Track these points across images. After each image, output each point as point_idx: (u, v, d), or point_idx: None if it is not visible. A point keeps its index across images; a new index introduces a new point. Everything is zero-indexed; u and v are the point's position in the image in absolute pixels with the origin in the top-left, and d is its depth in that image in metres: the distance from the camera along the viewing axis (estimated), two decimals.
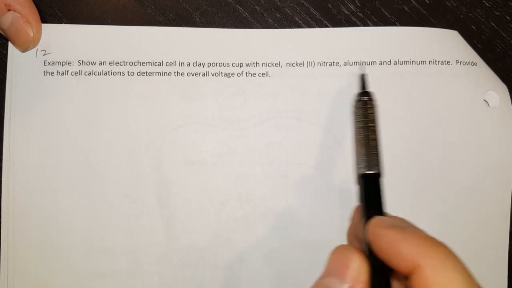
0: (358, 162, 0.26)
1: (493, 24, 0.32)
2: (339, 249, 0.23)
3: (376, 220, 0.22)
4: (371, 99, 0.27)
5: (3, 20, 0.28)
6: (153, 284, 0.29)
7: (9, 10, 0.28)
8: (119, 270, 0.29)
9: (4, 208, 0.29)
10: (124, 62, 0.30)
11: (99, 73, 0.29)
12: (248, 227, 0.29)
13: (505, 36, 0.32)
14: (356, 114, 0.27)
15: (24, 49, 0.29)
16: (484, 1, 0.32)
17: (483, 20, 0.32)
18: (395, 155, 0.30)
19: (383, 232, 0.21)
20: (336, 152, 0.30)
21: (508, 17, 0.32)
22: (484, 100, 0.31)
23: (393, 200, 0.29)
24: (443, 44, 0.31)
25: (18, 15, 0.28)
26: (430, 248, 0.20)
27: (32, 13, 0.28)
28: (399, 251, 0.20)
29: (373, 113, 0.27)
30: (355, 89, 0.30)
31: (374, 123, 0.26)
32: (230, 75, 0.30)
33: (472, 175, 0.30)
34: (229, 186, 0.29)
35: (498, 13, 0.32)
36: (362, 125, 0.26)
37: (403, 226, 0.22)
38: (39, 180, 0.29)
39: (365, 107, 0.27)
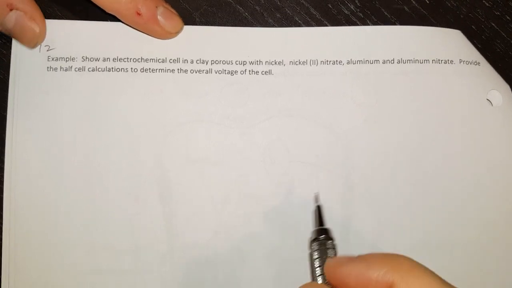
0: None
1: (493, 24, 0.33)
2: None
3: (330, 262, 0.23)
4: (330, 238, 0.26)
5: (7, 20, 0.28)
6: (155, 282, 0.28)
7: (11, 9, 0.27)
8: (120, 268, 0.28)
9: (6, 204, 0.28)
10: (127, 58, 0.30)
11: (103, 69, 0.29)
12: (249, 226, 0.29)
13: (505, 36, 0.33)
14: (312, 256, 0.26)
15: (32, 46, 0.29)
16: (484, 1, 0.33)
17: (483, 20, 0.32)
18: (397, 154, 0.30)
19: (344, 270, 0.22)
20: (338, 151, 0.30)
21: (508, 17, 0.33)
22: (487, 99, 0.31)
23: (395, 200, 0.29)
24: (446, 43, 0.31)
25: (22, 13, 0.28)
26: (393, 264, 0.20)
27: (35, 9, 0.28)
28: (370, 279, 0.20)
29: (333, 256, 0.25)
30: (357, 88, 0.30)
31: None
32: (234, 72, 0.30)
33: (475, 174, 0.30)
34: (231, 184, 0.29)
35: (498, 13, 0.33)
36: (319, 265, 0.25)
37: (355, 258, 0.22)
38: (41, 177, 0.28)
39: (323, 248, 0.25)
